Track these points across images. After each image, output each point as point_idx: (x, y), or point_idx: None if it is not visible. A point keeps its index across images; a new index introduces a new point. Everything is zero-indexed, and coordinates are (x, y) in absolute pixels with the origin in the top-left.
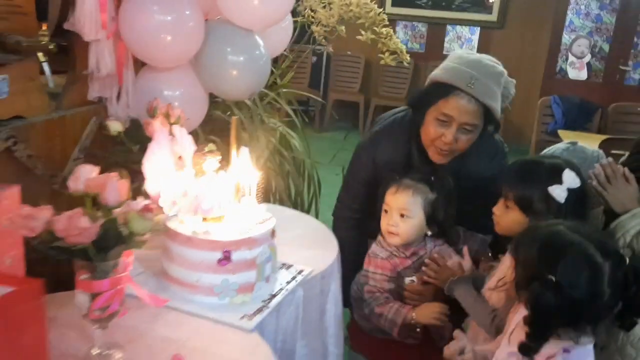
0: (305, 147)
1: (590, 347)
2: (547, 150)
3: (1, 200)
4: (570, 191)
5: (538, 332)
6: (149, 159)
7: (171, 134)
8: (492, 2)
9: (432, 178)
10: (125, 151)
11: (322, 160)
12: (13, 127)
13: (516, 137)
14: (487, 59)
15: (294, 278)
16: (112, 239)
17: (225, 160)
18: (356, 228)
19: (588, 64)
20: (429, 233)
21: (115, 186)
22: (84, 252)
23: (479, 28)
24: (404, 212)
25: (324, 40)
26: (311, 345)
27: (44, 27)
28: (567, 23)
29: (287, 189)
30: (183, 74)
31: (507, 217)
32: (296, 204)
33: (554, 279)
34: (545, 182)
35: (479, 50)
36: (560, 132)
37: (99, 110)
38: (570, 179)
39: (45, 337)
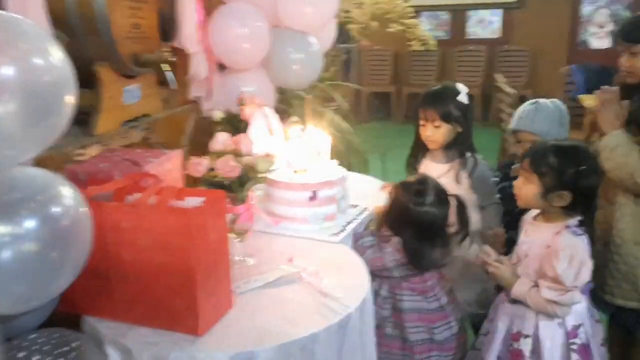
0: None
1: None
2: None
3: (172, 157)
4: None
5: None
6: (253, 129)
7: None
8: None
9: None
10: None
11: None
12: (146, 121)
13: None
14: None
15: (360, 213)
16: (247, 176)
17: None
18: None
19: (611, 32)
20: None
21: (247, 141)
22: (230, 185)
23: (500, 10)
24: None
25: (358, 36)
26: None
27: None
28: None
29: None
30: (256, 73)
31: (439, 133)
32: None
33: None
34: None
35: (503, 31)
36: (580, 97)
37: (196, 107)
38: (461, 87)
39: (226, 229)
